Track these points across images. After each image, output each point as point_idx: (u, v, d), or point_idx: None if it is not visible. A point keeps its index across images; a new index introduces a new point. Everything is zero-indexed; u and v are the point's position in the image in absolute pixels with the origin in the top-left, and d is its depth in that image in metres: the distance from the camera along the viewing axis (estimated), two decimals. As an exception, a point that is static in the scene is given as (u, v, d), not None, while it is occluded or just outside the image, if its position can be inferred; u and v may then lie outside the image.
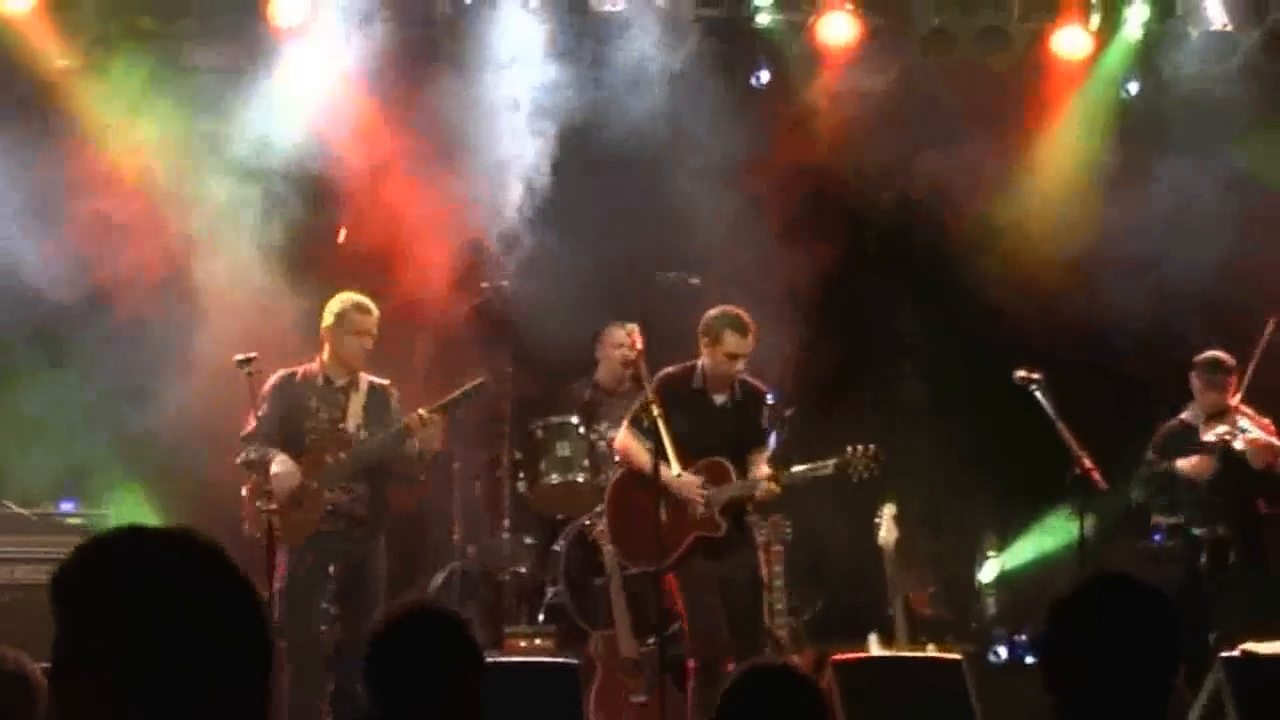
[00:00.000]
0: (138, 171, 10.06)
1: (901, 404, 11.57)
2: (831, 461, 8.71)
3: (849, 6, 10.50)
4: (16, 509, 9.73)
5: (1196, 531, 9.74)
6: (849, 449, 8.66)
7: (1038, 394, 8.81)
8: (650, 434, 8.37)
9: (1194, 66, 10.80)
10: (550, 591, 10.06)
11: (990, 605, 10.99)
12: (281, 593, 8.27)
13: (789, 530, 9.57)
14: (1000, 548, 11.14)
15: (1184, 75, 10.91)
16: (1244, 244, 10.83)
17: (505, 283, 10.26)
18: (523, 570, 10.19)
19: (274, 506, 8.08)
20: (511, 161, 10.73)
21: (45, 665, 3.89)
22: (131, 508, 9.86)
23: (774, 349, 10.28)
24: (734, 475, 8.50)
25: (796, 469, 8.76)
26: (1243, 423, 9.55)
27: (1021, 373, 8.91)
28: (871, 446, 8.66)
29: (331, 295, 9.70)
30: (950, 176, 10.80)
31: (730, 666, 8.21)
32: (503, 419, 10.24)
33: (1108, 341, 11.04)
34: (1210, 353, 9.79)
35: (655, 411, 8.22)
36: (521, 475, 10.23)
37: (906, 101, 10.91)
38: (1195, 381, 9.81)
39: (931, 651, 9.21)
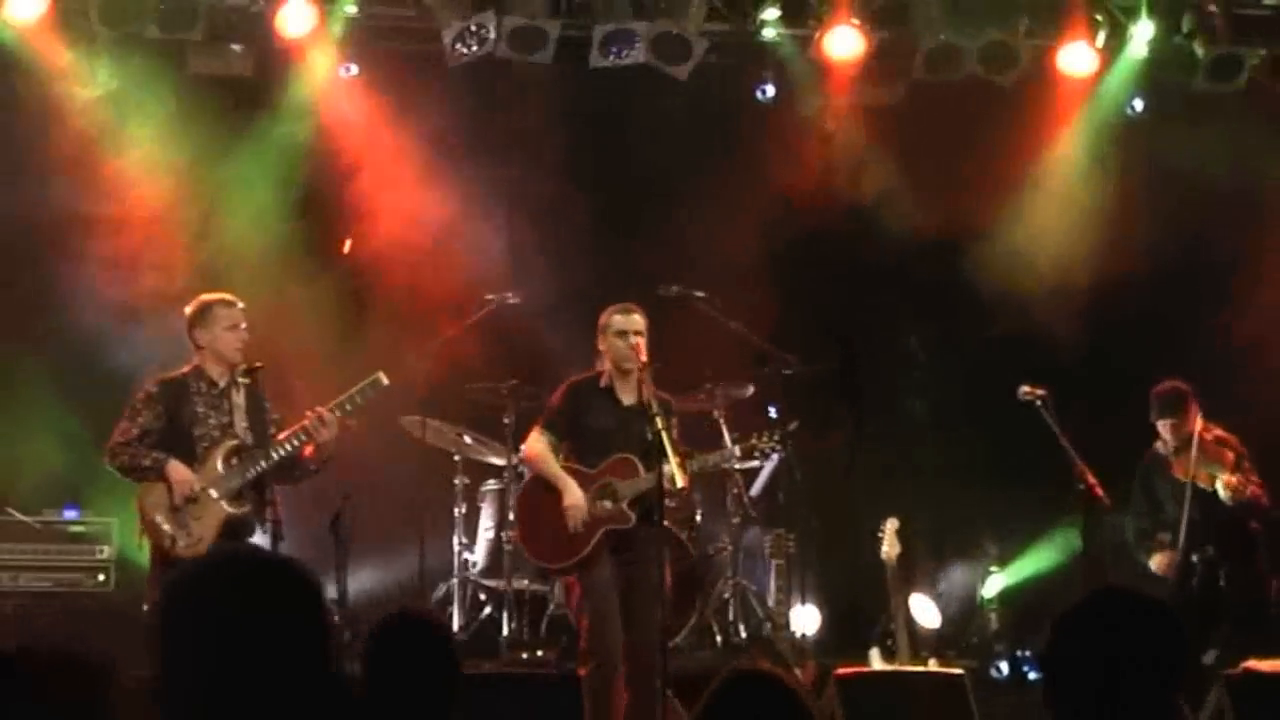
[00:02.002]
0: (144, 181, 10.08)
1: (904, 419, 11.58)
2: (736, 447, 8.88)
3: (855, 21, 10.51)
4: (20, 516, 9.75)
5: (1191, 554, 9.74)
6: (754, 434, 8.87)
7: (1042, 410, 8.82)
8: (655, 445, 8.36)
9: (1199, 85, 10.81)
10: (552, 604, 10.07)
11: (992, 621, 10.97)
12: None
13: (792, 544, 9.59)
14: (1002, 563, 11.13)
15: (1189, 94, 10.92)
16: (1247, 264, 10.84)
17: (510, 296, 10.26)
18: (525, 582, 10.19)
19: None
20: (517, 173, 10.77)
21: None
22: (134, 517, 9.85)
23: (777, 363, 10.30)
24: (642, 471, 8.45)
25: (704, 457, 8.90)
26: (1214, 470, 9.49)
27: (1026, 389, 8.92)
28: (773, 431, 8.95)
29: (337, 304, 9.72)
30: (954, 192, 10.82)
31: (620, 677, 8.22)
32: (505, 432, 10.25)
33: (1111, 358, 11.04)
34: (1163, 385, 9.65)
35: (660, 424, 8.21)
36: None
37: (912, 116, 10.92)
38: (1153, 414, 9.68)
39: (934, 666, 9.20)
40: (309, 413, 8.12)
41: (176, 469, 8.00)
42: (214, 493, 8.03)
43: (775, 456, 10.11)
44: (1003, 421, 9.90)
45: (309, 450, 8.18)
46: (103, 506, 9.93)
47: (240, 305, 8.26)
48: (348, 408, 8.20)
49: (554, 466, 8.52)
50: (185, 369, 8.27)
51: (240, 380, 8.21)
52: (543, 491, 8.54)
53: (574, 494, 8.41)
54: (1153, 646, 3.21)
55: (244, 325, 8.23)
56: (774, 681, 3.57)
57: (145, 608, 8.15)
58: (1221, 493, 9.37)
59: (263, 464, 8.06)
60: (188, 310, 8.28)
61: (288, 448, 8.12)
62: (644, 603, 8.23)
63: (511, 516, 10.11)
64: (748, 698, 3.53)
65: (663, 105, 10.83)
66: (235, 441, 8.11)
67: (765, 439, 8.86)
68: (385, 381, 8.28)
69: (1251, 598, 9.62)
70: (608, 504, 8.42)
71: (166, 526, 7.97)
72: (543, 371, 10.44)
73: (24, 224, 10.09)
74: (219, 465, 8.08)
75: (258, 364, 8.18)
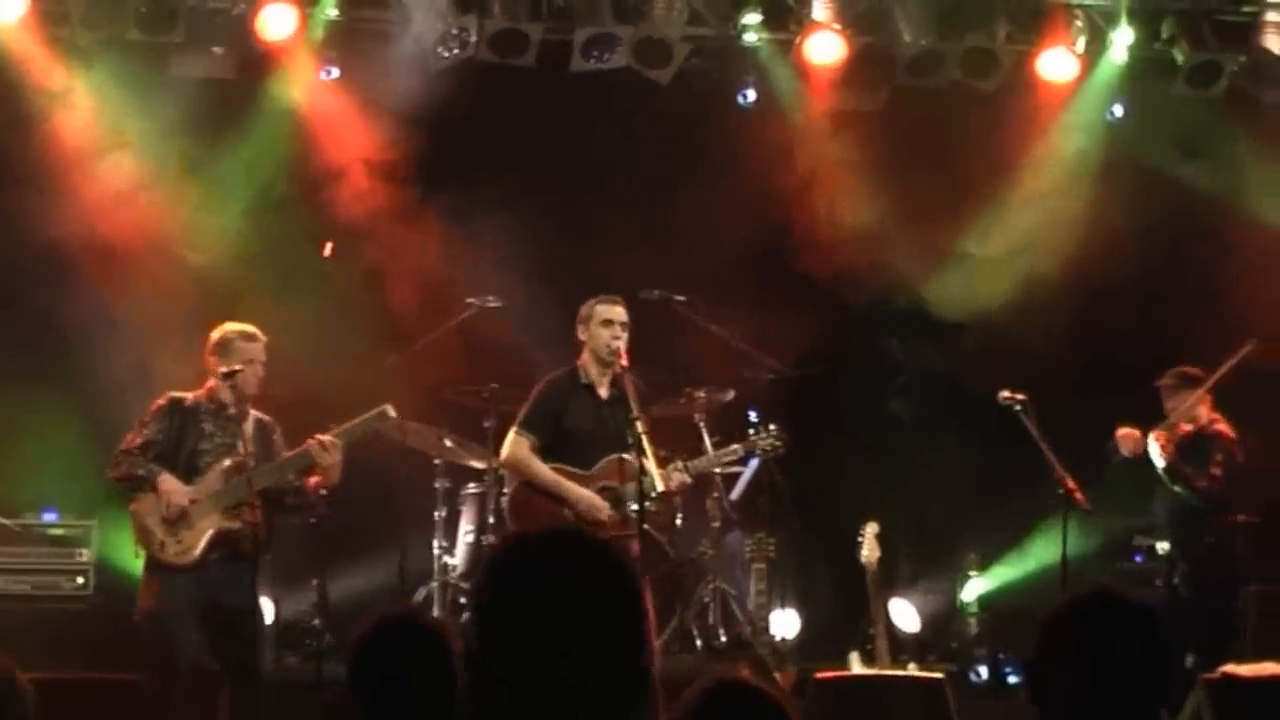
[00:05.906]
0: (126, 183, 10.06)
1: (885, 423, 11.58)
2: (737, 445, 8.84)
3: (836, 26, 10.52)
4: (-1, 519, 9.72)
5: (1161, 549, 9.85)
6: (752, 431, 8.82)
7: (1022, 415, 8.83)
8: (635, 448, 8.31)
9: (1178, 91, 10.84)
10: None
11: (972, 625, 10.99)
12: (152, 614, 7.99)
13: (772, 548, 9.58)
14: (982, 567, 11.15)
15: (1169, 100, 10.95)
16: (1227, 268, 10.87)
17: (490, 299, 10.25)
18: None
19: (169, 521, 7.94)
20: (497, 177, 10.76)
21: (33, 676, 3.90)
22: (115, 518, 9.83)
23: (760, 368, 10.30)
24: (634, 470, 8.30)
25: (704, 456, 8.85)
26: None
27: (1006, 394, 8.94)
28: (773, 426, 8.84)
29: (316, 309, 9.67)
30: (936, 196, 10.83)
31: None
32: (486, 435, 10.23)
33: (1091, 363, 11.07)
34: (1179, 368, 9.86)
35: (640, 428, 8.17)
36: (505, 490, 10.22)
37: (893, 121, 10.94)
38: (1162, 392, 9.86)
39: (913, 671, 9.20)
40: (311, 439, 8.15)
41: (167, 480, 8.05)
42: (209, 504, 8.06)
43: (755, 461, 10.11)
44: (983, 426, 9.92)
45: (313, 480, 8.25)
46: (82, 509, 9.91)
47: (262, 340, 8.30)
48: (353, 435, 8.23)
49: (541, 469, 8.41)
50: (200, 392, 8.31)
51: (259, 417, 8.28)
52: (533, 496, 8.45)
53: (580, 492, 8.31)
54: (1140, 648, 3.20)
55: (263, 360, 8.28)
56: (757, 694, 3.35)
57: (135, 614, 8.14)
58: (1153, 452, 9.48)
59: (264, 482, 8.08)
60: (213, 337, 8.29)
61: (289, 472, 8.18)
62: None
63: (491, 520, 10.11)
64: (730, 712, 3.34)
65: (644, 109, 10.83)
66: (238, 459, 8.10)
67: (766, 436, 8.83)
68: (392, 414, 8.34)
69: (1213, 604, 9.63)
70: (607, 514, 8.34)
71: (158, 532, 8.03)
72: (523, 375, 10.42)
73: (4, 229, 10.05)
74: (218, 480, 8.12)
75: (238, 367, 8.16)
